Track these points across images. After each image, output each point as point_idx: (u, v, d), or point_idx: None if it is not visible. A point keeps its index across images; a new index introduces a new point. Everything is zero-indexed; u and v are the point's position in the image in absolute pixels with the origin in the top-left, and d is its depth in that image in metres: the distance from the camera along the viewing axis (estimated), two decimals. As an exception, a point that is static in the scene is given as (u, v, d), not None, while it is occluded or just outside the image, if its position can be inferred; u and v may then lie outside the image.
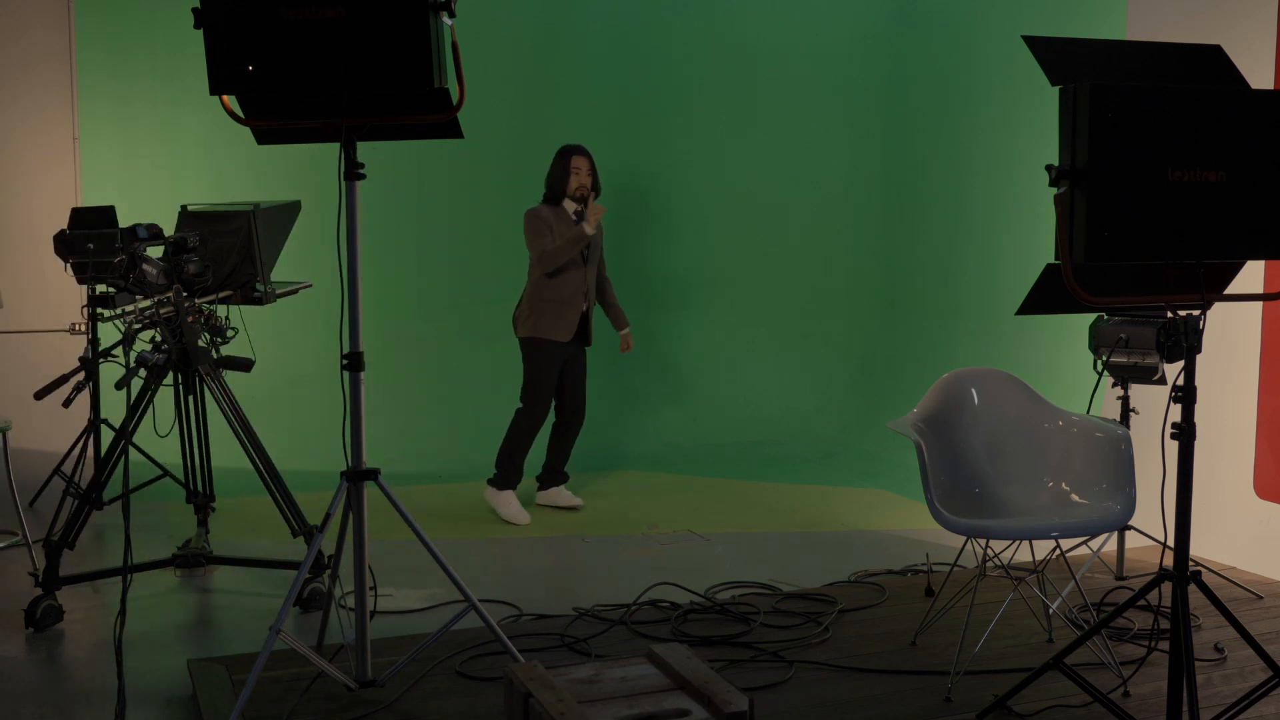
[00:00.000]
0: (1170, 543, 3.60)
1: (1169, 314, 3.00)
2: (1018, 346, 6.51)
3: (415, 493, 6.02)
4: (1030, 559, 4.88)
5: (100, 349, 5.31)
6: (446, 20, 3.05)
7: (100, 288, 4.94)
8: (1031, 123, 6.37)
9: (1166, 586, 3.03)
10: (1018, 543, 4.86)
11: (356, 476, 3.32)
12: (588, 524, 5.62)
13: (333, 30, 3.00)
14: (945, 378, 4.02)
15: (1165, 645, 3.73)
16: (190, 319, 4.32)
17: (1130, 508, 3.57)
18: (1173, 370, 3.62)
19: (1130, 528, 4.43)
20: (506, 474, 5.68)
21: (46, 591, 4.13)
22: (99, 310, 4.36)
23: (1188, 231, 2.76)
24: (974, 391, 4.00)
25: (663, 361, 7.70)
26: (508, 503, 5.66)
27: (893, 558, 4.92)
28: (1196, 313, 2.94)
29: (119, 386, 4.00)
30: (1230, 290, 3.18)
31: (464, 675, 3.57)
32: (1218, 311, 4.58)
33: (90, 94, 6.77)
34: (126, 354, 4.03)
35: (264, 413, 5.52)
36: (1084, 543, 4.60)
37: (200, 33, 3.05)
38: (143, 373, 4.24)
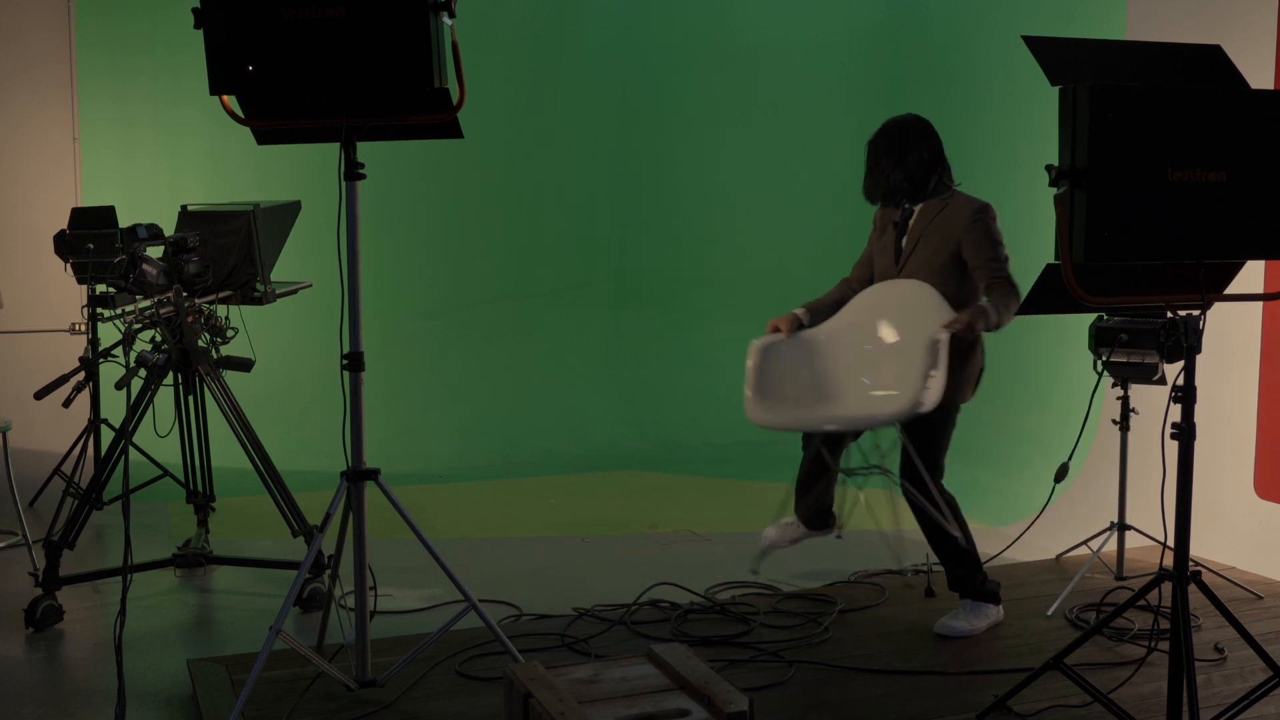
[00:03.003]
0: (1170, 543, 3.60)
1: (1169, 314, 3.00)
2: (1018, 346, 6.51)
3: (415, 493, 6.02)
4: (1028, 561, 4.88)
5: (100, 349, 5.31)
6: (446, 20, 3.05)
7: (100, 288, 4.94)
8: (1031, 123, 6.37)
9: (1166, 586, 3.03)
10: (1014, 543, 4.88)
11: (356, 476, 3.32)
12: (588, 524, 5.62)
13: (332, 30, 3.00)
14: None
15: (1165, 645, 3.72)
16: (190, 319, 4.32)
17: (922, 398, 3.64)
18: (1173, 370, 3.62)
19: (1130, 527, 4.43)
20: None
21: (46, 591, 4.13)
22: (99, 310, 4.37)
23: (1188, 231, 2.75)
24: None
25: (663, 361, 7.70)
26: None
27: (893, 558, 4.92)
28: (1196, 313, 2.94)
29: (119, 386, 4.01)
30: (1230, 290, 3.18)
31: (464, 675, 3.57)
32: (1218, 311, 4.57)
33: (90, 94, 6.77)
34: (126, 354, 4.03)
35: (264, 413, 5.51)
36: (1084, 543, 4.61)
37: (200, 33, 3.05)
38: (143, 373, 4.24)
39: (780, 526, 4.43)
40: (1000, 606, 3.99)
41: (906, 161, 3.94)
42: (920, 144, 3.94)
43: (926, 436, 3.87)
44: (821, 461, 4.19)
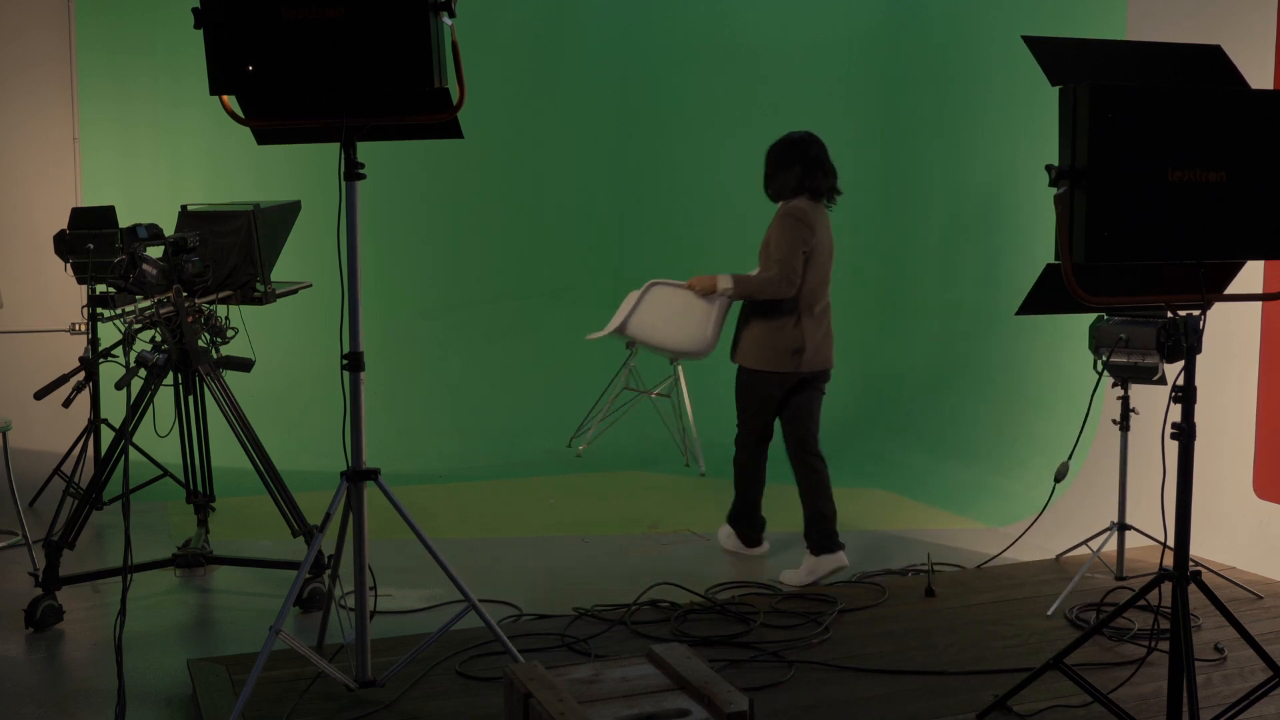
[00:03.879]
0: (1170, 543, 3.60)
1: (1169, 314, 3.00)
2: (1018, 346, 6.51)
3: (415, 493, 6.02)
4: (1028, 561, 4.88)
5: (100, 349, 5.31)
6: (446, 20, 3.05)
7: (100, 288, 4.95)
8: (1031, 123, 6.37)
9: (1166, 586, 3.03)
10: (1014, 543, 4.88)
11: (356, 476, 3.32)
12: (588, 524, 5.63)
13: (332, 30, 3.00)
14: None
15: (1165, 645, 3.72)
16: (190, 319, 4.32)
17: (710, 346, 5.53)
18: (1173, 370, 3.62)
19: (1130, 527, 4.43)
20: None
21: (46, 591, 4.13)
22: (99, 310, 4.36)
23: (1188, 231, 2.76)
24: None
25: (662, 360, 7.70)
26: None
27: (893, 558, 4.93)
28: (1196, 313, 2.94)
29: (119, 386, 4.00)
30: (1230, 290, 3.18)
31: (464, 675, 3.57)
32: (1218, 311, 4.58)
33: (90, 94, 6.77)
34: (126, 354, 4.03)
35: (264, 413, 5.51)
36: (1084, 543, 4.61)
37: (200, 33, 3.05)
38: (143, 373, 4.24)
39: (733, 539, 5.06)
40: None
41: (780, 172, 4.74)
42: (784, 159, 4.67)
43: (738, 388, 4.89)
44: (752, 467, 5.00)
